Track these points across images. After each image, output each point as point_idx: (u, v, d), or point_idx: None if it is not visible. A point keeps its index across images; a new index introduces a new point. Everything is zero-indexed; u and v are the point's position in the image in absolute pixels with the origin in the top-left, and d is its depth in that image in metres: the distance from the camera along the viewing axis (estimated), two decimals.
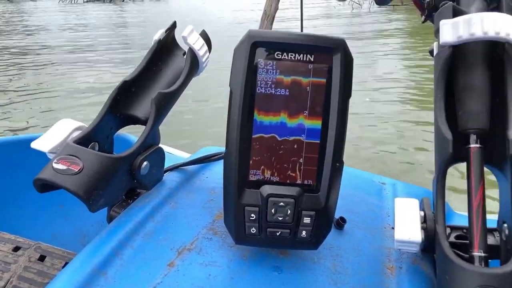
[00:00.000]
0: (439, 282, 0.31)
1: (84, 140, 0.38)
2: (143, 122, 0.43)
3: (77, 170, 0.34)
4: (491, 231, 0.35)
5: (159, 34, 0.47)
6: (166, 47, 0.49)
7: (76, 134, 0.40)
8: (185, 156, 0.65)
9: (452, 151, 0.31)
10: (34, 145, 0.39)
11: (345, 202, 0.46)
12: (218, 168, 0.51)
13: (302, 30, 1.06)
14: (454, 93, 0.34)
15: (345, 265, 0.36)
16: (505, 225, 0.32)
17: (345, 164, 0.33)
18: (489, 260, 0.31)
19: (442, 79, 0.33)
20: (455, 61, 0.33)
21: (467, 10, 0.34)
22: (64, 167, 0.34)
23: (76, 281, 0.31)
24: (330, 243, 0.39)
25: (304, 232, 0.33)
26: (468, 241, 0.31)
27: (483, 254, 0.30)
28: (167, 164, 0.48)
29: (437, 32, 0.34)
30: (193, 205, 0.43)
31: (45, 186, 0.36)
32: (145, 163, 0.40)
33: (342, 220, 0.41)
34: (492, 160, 0.33)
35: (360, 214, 0.45)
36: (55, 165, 0.34)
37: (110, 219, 0.41)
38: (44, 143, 0.39)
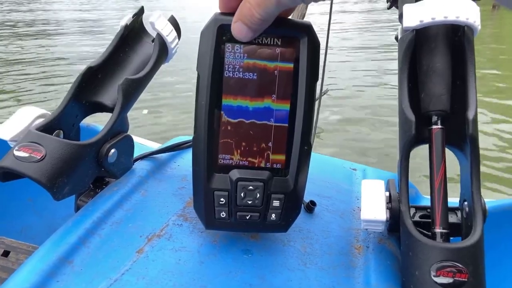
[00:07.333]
0: (403, 259, 0.32)
1: (48, 128, 0.37)
2: (110, 110, 0.42)
3: (39, 157, 0.33)
4: (453, 210, 0.36)
5: (125, 19, 0.46)
6: (134, 33, 0.47)
7: (39, 121, 0.38)
8: (155, 146, 0.64)
9: (415, 132, 0.32)
10: None
11: (315, 187, 0.47)
12: (189, 156, 0.50)
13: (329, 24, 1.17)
14: (417, 76, 0.35)
15: (314, 246, 0.37)
16: (466, 203, 0.33)
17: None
18: (452, 238, 0.33)
19: (405, 63, 0.34)
20: (418, 44, 0.34)
21: None
22: (26, 155, 0.33)
23: (41, 270, 0.30)
24: (300, 226, 0.39)
25: (273, 215, 0.33)
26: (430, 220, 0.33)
27: (444, 231, 0.31)
28: (138, 153, 0.48)
29: (400, 16, 0.35)
30: (163, 192, 0.43)
31: (7, 175, 0.34)
32: (112, 150, 0.40)
33: (312, 204, 0.42)
34: (453, 141, 0.34)
35: (330, 198, 0.45)
36: (16, 153, 0.33)
37: (77, 208, 0.40)
38: (5, 131, 0.38)
